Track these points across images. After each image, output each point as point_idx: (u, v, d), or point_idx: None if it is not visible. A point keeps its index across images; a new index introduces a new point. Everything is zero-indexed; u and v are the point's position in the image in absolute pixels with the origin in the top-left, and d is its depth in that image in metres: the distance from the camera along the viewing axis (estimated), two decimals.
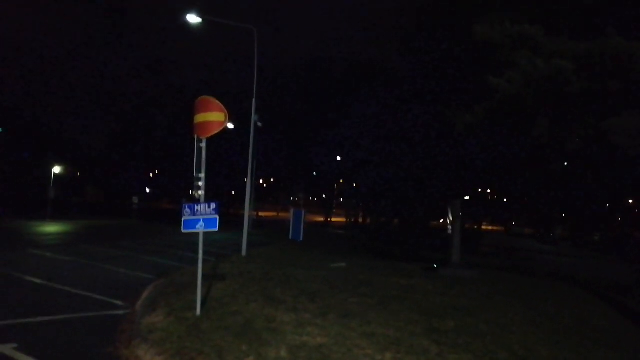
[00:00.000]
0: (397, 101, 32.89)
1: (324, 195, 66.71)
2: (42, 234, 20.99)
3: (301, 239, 26.10)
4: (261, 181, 59.94)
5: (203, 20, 17.31)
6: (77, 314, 7.57)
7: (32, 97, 58.13)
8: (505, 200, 55.71)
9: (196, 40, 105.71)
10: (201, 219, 7.15)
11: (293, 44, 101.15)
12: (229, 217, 43.74)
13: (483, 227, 61.31)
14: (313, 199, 73.84)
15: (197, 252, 7.49)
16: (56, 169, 33.76)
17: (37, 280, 9.90)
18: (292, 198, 73.03)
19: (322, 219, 62.08)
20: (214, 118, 7.23)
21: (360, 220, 64.00)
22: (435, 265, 14.82)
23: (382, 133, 34.70)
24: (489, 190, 49.49)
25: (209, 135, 7.27)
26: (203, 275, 7.47)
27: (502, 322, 8.14)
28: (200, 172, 7.36)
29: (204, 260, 7.84)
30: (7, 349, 5.77)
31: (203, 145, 7.34)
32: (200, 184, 7.39)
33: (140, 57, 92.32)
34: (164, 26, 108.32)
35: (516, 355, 6.31)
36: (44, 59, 72.19)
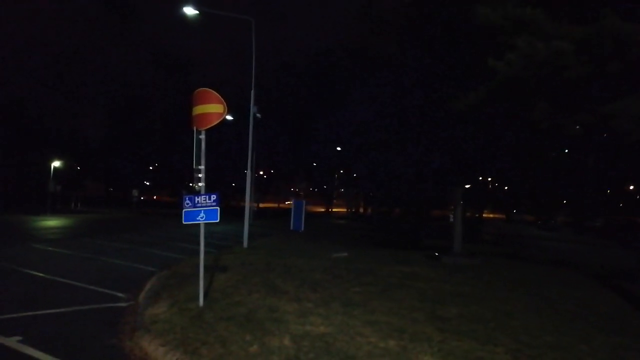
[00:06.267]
0: (399, 87, 32.74)
1: (325, 186, 66.72)
2: (43, 228, 21.00)
3: (302, 230, 26.15)
4: (261, 172, 59.86)
5: (200, 12, 17.15)
6: (80, 307, 7.58)
7: (33, 92, 58.12)
8: (506, 187, 55.69)
9: (199, 34, 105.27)
10: (202, 210, 7.14)
11: (294, 36, 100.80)
12: (230, 209, 43.77)
13: (484, 215, 61.25)
14: (314, 189, 73.76)
15: (198, 244, 7.48)
16: (56, 163, 33.71)
17: (40, 274, 9.92)
18: (292, 189, 73.05)
19: (322, 209, 62.19)
20: (213, 109, 7.21)
21: (361, 210, 64.15)
22: (437, 253, 14.82)
23: (384, 120, 34.61)
24: (489, 179, 49.50)
25: (208, 126, 7.24)
26: (205, 267, 7.47)
27: (504, 308, 8.14)
28: (199, 164, 7.34)
29: (206, 252, 7.83)
30: (12, 341, 5.78)
31: (202, 137, 7.31)
32: (200, 175, 7.38)
33: (143, 51, 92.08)
34: (167, 20, 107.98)
35: (519, 342, 6.30)
36: (46, 53, 71.92)
